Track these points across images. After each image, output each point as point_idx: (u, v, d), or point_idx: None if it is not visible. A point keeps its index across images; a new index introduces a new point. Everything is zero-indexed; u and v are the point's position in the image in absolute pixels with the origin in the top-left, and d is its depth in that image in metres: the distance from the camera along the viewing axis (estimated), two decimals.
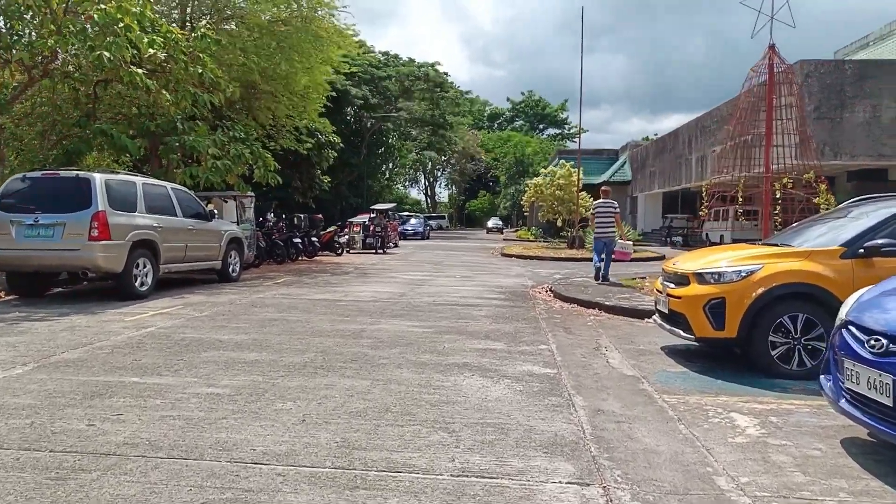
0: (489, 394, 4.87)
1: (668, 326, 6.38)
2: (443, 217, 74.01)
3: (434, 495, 3.08)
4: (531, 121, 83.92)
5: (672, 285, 6.36)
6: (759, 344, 5.59)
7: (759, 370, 5.65)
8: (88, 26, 11.26)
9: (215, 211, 12.97)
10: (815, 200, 10.27)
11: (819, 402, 4.72)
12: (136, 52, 11.83)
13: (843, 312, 3.93)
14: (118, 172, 10.88)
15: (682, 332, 6.08)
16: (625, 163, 43.04)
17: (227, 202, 15.49)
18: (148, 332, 7.11)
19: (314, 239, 19.96)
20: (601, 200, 13.17)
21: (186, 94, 12.81)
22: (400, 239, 32.62)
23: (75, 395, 4.62)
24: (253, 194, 16.59)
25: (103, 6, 11.01)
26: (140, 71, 11.75)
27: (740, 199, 11.37)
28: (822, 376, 4.06)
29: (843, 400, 3.68)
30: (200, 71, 12.81)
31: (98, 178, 9.53)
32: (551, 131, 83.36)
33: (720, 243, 22.54)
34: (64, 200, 9.42)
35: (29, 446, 3.63)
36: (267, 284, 12.48)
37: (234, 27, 17.28)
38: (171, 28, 12.94)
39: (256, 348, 6.35)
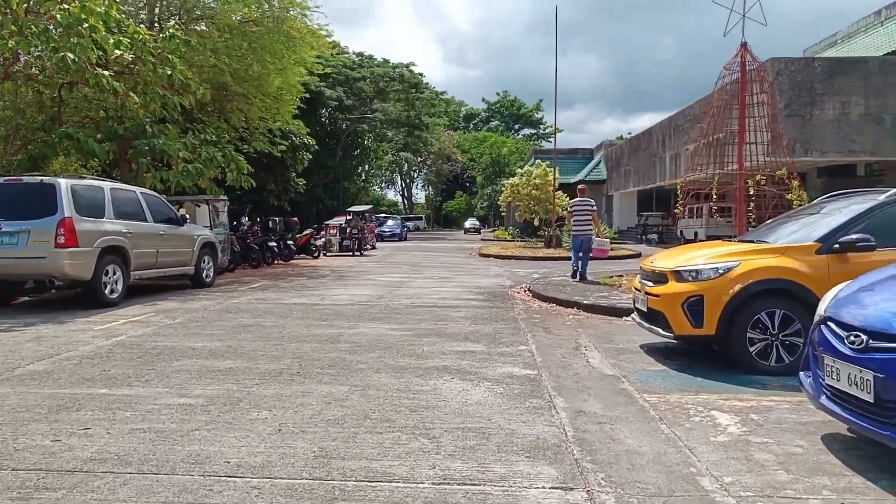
0: (469, 397, 4.79)
1: (646, 325, 6.37)
2: (420, 218, 73.85)
3: None
4: (507, 121, 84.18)
5: (650, 283, 6.35)
6: (737, 341, 5.59)
7: (738, 367, 5.66)
8: (51, 27, 10.95)
9: (187, 215, 12.73)
10: (788, 197, 10.39)
11: (798, 398, 4.73)
12: (102, 53, 11.56)
13: (821, 308, 3.92)
14: (85, 177, 10.59)
15: (661, 331, 6.07)
16: (600, 162, 43.37)
17: (199, 206, 15.22)
18: (118, 341, 6.91)
19: (290, 242, 19.73)
20: (578, 199, 13.21)
21: (155, 97, 12.56)
22: (377, 241, 32.45)
23: (40, 410, 4.44)
24: (226, 198, 16.31)
25: (66, 6, 10.73)
26: (106, 73, 11.48)
27: (714, 197, 11.46)
28: (801, 373, 4.06)
29: (824, 396, 3.68)
30: (169, 72, 12.57)
31: (63, 184, 9.27)
32: (527, 131, 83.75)
33: (695, 240, 22.79)
34: (28, 207, 9.15)
35: None
36: (242, 289, 12.28)
37: (204, 28, 16.99)
38: (139, 29, 12.67)
39: (231, 356, 6.20)
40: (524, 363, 5.96)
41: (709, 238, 22.03)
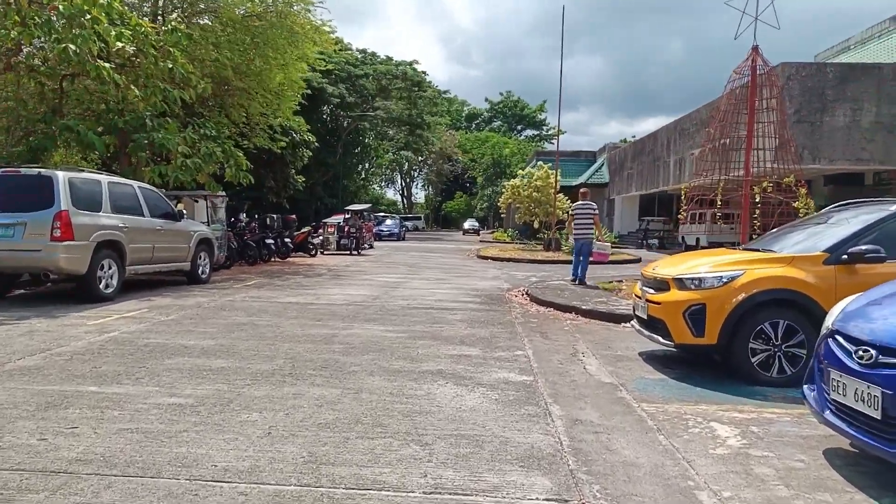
0: (464, 403, 4.71)
1: (646, 332, 6.28)
2: (419, 218, 73.74)
3: None
4: (509, 122, 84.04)
5: (651, 291, 6.26)
6: (739, 351, 5.51)
7: (739, 377, 5.58)
8: (54, 18, 10.85)
9: (184, 211, 12.63)
10: (795, 205, 10.27)
11: (800, 410, 4.65)
12: (103, 45, 11.47)
13: (828, 321, 3.84)
14: (83, 170, 10.49)
15: (661, 339, 5.98)
16: (602, 165, 43.24)
17: (197, 202, 15.14)
18: (110, 337, 6.82)
19: (287, 240, 19.63)
20: (580, 202, 13.14)
21: (156, 90, 12.46)
22: (375, 240, 32.35)
23: (28, 407, 4.35)
24: (224, 194, 16.21)
25: None
26: (108, 65, 11.38)
27: (719, 203, 11.36)
28: (805, 386, 3.97)
29: (828, 411, 3.59)
30: (171, 66, 12.47)
31: (61, 176, 9.18)
32: (529, 132, 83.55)
33: (696, 246, 22.70)
34: (25, 199, 9.05)
35: None
36: (237, 287, 12.19)
37: (206, 21, 16.88)
38: (141, 21, 12.58)
39: (223, 354, 6.11)
40: (520, 369, 5.88)
41: (711, 245, 21.96)
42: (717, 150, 11.55)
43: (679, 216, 16.37)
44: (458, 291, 12.24)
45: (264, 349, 6.39)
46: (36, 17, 10.74)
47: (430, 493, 3.15)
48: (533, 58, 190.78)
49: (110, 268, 9.75)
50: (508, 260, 21.82)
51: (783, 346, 5.45)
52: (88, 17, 10.77)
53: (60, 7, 10.54)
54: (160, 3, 17.26)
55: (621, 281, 12.66)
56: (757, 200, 10.49)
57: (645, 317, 6.27)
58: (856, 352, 3.37)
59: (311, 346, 6.59)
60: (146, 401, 4.54)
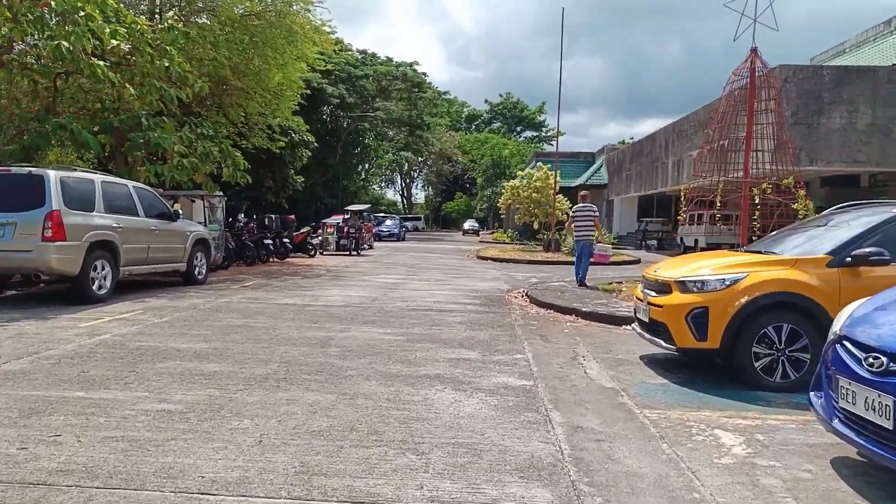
0: (462, 409, 4.58)
1: (648, 336, 6.16)
2: (419, 218, 73.56)
3: None
4: (509, 123, 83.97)
5: (653, 293, 6.13)
6: (742, 355, 5.39)
7: (742, 382, 5.46)
8: (47, 14, 10.72)
9: (180, 211, 12.50)
10: (794, 206, 10.18)
11: (805, 417, 4.53)
12: (98, 43, 11.33)
13: (836, 326, 3.71)
14: (76, 170, 10.36)
15: (662, 343, 5.86)
16: (601, 166, 43.17)
17: (194, 202, 15.00)
18: (101, 340, 6.69)
19: (286, 240, 19.51)
20: (581, 205, 13.08)
21: (152, 89, 12.34)
22: (375, 240, 32.22)
23: (10, 413, 4.22)
24: (222, 194, 16.08)
25: None
26: (102, 63, 11.26)
27: (718, 204, 11.26)
28: (811, 393, 3.85)
29: (837, 420, 3.47)
30: (167, 65, 12.35)
31: (52, 176, 9.04)
32: (529, 133, 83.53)
33: (695, 248, 22.59)
34: (16, 198, 8.90)
35: None
36: (234, 287, 12.06)
37: (205, 20, 16.76)
38: (137, 19, 12.45)
39: (216, 358, 5.98)
40: (520, 373, 5.75)
41: (709, 246, 21.84)
42: (715, 152, 11.46)
43: (678, 217, 16.27)
44: (457, 293, 12.11)
45: (259, 352, 6.26)
46: (28, 14, 10.62)
47: None
48: (533, 59, 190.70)
49: (103, 269, 9.61)
50: (508, 261, 21.70)
51: (787, 351, 5.33)
52: (82, 13, 10.65)
53: (53, 3, 10.40)
54: (157, 1, 17.14)
55: (621, 282, 12.55)
56: (756, 202, 10.40)
57: (646, 320, 6.14)
58: (866, 359, 3.24)
59: (307, 350, 6.46)
60: (134, 407, 4.41)
